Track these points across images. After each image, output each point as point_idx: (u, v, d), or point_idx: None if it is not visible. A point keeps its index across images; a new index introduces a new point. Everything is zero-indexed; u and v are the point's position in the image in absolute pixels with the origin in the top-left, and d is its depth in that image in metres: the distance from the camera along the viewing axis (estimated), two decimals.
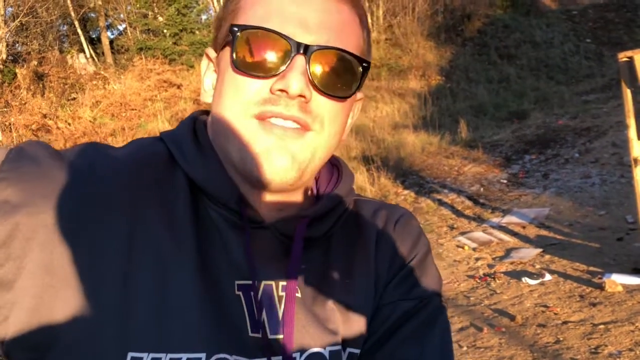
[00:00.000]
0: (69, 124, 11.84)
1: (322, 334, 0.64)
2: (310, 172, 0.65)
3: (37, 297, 0.54)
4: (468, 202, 7.29)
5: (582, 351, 3.40)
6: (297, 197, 0.69)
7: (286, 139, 0.61)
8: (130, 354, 0.55)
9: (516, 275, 4.88)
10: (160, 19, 18.71)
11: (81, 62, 17.01)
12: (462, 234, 6.26)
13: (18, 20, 14.94)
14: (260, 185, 0.63)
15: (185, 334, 0.57)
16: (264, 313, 0.62)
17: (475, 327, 4.01)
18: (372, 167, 8.65)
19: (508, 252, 5.52)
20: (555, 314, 4.00)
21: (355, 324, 0.67)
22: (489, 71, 15.13)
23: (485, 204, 7.13)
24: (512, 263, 5.20)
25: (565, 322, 3.84)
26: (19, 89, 12.86)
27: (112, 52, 18.67)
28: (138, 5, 19.18)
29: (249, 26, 0.62)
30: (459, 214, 6.96)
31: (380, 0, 17.32)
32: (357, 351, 0.67)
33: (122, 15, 19.87)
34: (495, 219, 6.52)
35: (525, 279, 4.70)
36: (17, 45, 16.06)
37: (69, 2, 18.04)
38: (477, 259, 5.50)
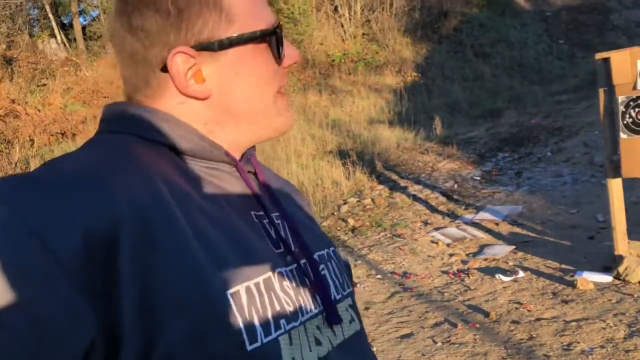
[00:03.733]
0: (39, 110, 11.54)
1: (319, 240, 0.84)
2: None
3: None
4: (442, 198, 7.34)
5: (554, 348, 3.44)
6: None
7: (288, 105, 0.79)
8: (228, 292, 0.63)
9: (490, 271, 4.92)
10: None
11: (52, 47, 16.61)
12: (437, 229, 6.29)
13: None
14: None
15: (253, 261, 0.68)
16: (281, 233, 0.76)
17: (450, 323, 4.03)
18: (348, 162, 8.64)
19: (481, 248, 5.57)
20: (529, 310, 4.05)
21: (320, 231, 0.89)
22: (464, 69, 15.25)
23: (459, 200, 7.19)
24: (485, 259, 5.25)
25: (538, 319, 3.89)
26: None
27: (85, 39, 18.25)
28: None
29: (273, 29, 0.73)
30: (433, 209, 7.00)
31: None
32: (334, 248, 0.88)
33: (95, 1, 19.45)
34: (469, 216, 6.58)
35: (499, 276, 4.75)
36: None
37: None
38: (451, 255, 5.54)
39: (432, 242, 5.97)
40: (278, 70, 0.75)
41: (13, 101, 11.42)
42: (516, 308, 4.12)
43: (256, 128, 0.77)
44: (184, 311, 0.60)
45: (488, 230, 6.06)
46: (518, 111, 11.19)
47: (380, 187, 7.99)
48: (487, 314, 4.07)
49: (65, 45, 17.77)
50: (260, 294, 0.67)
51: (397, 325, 4.17)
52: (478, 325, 3.92)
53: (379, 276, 5.30)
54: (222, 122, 0.75)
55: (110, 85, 14.01)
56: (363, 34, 17.34)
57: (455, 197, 7.35)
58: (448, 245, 5.82)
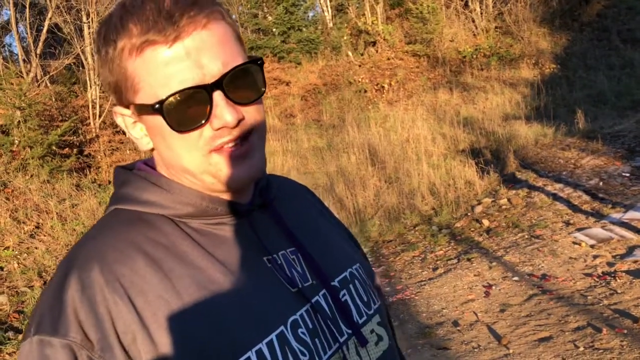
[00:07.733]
0: None
1: (341, 260, 0.88)
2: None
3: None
4: (585, 197, 6.92)
5: None
6: None
7: (243, 157, 0.74)
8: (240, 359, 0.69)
9: None
10: (270, 18, 19.31)
11: None
12: (579, 230, 5.96)
13: None
14: (241, 190, 0.79)
15: (262, 320, 0.72)
16: (293, 272, 0.79)
17: (593, 328, 3.84)
18: (481, 161, 8.44)
19: (630, 250, 5.19)
20: None
21: (349, 247, 0.95)
22: (610, 57, 14.15)
23: (605, 199, 6.73)
24: (635, 262, 4.89)
25: None
26: None
27: None
28: (249, 6, 19.92)
29: (165, 98, 0.69)
30: (575, 209, 6.63)
31: None
32: (365, 263, 0.94)
33: (234, 16, 20.71)
34: (616, 215, 6.15)
35: None
36: None
37: None
38: (595, 257, 5.23)
39: (574, 243, 5.68)
40: (201, 134, 0.72)
41: None
42: None
43: (203, 182, 0.76)
44: None
45: (638, 231, 5.63)
46: None
47: (517, 186, 7.71)
48: (636, 320, 3.82)
49: None
50: (272, 353, 0.71)
51: (535, 328, 4.05)
52: (626, 331, 3.70)
53: (515, 278, 5.15)
54: (173, 173, 0.78)
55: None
56: (496, 27, 16.74)
57: (600, 195, 6.90)
58: (592, 246, 5.50)
